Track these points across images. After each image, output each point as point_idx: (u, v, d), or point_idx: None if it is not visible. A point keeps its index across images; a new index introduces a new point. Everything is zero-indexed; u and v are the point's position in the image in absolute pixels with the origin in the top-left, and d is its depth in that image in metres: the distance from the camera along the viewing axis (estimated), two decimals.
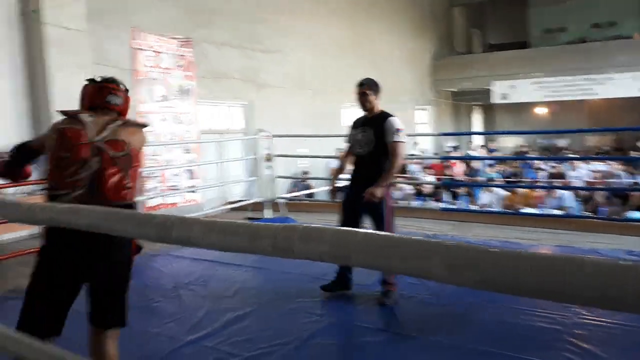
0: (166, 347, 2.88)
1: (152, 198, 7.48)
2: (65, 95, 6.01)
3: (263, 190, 6.81)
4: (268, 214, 6.54)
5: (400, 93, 14.29)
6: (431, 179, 9.29)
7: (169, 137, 7.82)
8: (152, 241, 1.02)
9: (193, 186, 8.02)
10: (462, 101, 17.80)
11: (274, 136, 6.78)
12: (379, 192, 3.27)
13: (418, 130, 15.47)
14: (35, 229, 5.28)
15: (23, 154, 2.27)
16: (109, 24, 6.97)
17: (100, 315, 1.92)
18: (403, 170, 10.66)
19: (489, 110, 18.50)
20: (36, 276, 1.91)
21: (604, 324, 2.96)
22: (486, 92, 15.50)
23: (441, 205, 7.51)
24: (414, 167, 10.67)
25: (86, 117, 2.03)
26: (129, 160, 2.02)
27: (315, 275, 3.74)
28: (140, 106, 7.46)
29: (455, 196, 8.14)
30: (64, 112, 2.09)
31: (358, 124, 3.59)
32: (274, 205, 6.65)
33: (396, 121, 3.44)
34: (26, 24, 5.92)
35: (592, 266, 0.56)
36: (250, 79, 9.27)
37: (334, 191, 3.75)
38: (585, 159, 11.29)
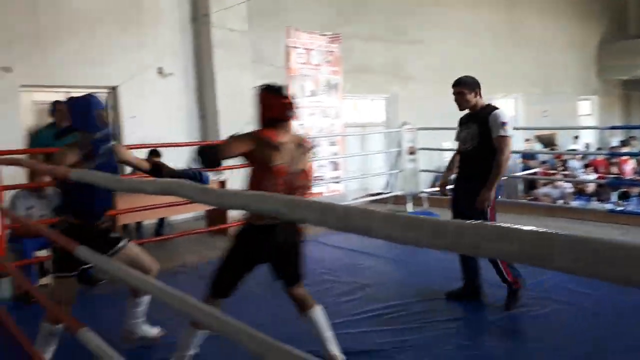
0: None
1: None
2: (229, 92, 6.61)
3: (405, 183, 6.76)
4: (410, 207, 6.48)
5: (561, 82, 13.15)
6: (593, 176, 8.39)
7: (317, 131, 8.14)
8: (332, 228, 1.08)
9: (337, 177, 8.25)
10: (635, 90, 15.74)
11: (419, 129, 6.68)
12: (488, 196, 3.11)
13: (581, 122, 14.10)
14: (200, 212, 5.89)
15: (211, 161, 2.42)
16: (266, 24, 7.46)
17: (293, 278, 2.50)
18: (563, 166, 9.79)
19: None
20: (234, 252, 2.40)
21: None
22: None
23: (607, 206, 6.74)
24: (574, 164, 9.74)
25: (285, 151, 2.33)
26: (308, 183, 2.50)
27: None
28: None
29: (624, 197, 7.25)
30: (261, 134, 2.35)
31: (463, 121, 3.45)
32: (416, 199, 6.57)
33: (501, 114, 3.25)
34: (196, 27, 6.60)
35: None
36: (394, 72, 9.25)
37: (443, 187, 3.63)
38: None
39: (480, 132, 3.23)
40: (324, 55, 8.24)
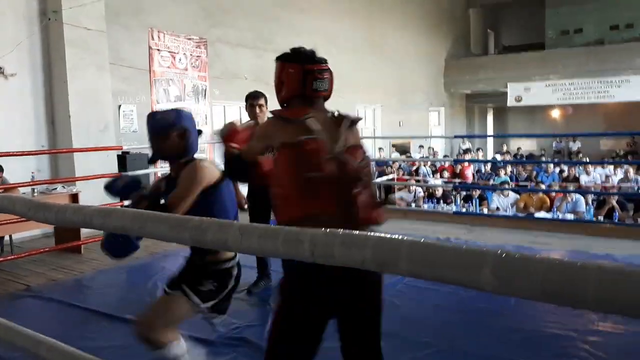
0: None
1: None
2: (83, 95, 6.12)
3: None
4: None
5: (415, 94, 14.28)
6: (441, 181, 9.26)
7: None
8: (185, 244, 1.02)
9: None
10: (476, 103, 17.71)
11: None
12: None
13: (432, 131, 15.45)
14: (48, 228, 5.37)
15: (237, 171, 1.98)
16: (127, 24, 7.05)
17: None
18: (415, 172, 10.64)
19: (502, 112, 18.40)
20: (287, 321, 1.61)
21: (619, 331, 2.95)
22: (500, 95, 15.41)
23: (454, 208, 7.48)
24: (425, 170, 10.63)
25: (312, 122, 1.66)
26: (368, 168, 1.75)
27: None
28: (156, 106, 7.53)
29: (466, 200, 8.10)
30: (277, 114, 1.76)
31: None
32: None
33: None
34: (45, 24, 6.01)
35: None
36: (264, 79, 9.31)
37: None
38: (596, 163, 11.18)
39: None
40: (190, 60, 8.04)
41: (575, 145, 16.33)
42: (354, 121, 1.77)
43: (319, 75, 1.71)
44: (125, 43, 7.05)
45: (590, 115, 15.99)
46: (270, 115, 1.82)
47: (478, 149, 12.80)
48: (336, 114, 1.76)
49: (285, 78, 1.74)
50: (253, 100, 3.58)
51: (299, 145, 1.63)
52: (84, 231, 5.01)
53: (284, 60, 1.76)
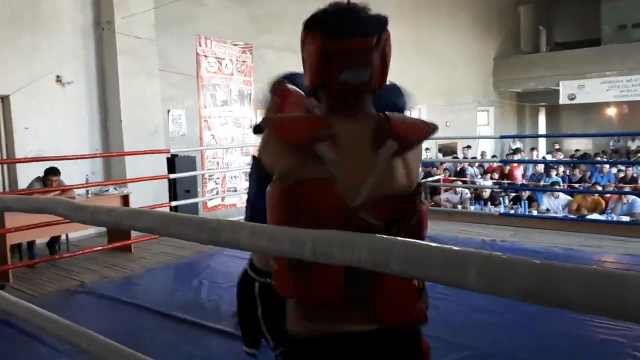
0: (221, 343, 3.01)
1: (212, 199, 7.77)
2: (134, 101, 6.39)
3: None
4: None
5: (463, 94, 14.02)
6: (489, 182, 9.03)
7: (229, 141, 8.09)
8: (204, 244, 1.10)
9: None
10: (527, 102, 17.18)
11: None
12: None
13: (480, 132, 15.11)
14: (102, 228, 5.64)
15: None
16: (176, 32, 7.30)
17: None
18: (462, 173, 10.43)
19: (555, 112, 17.76)
20: None
21: None
22: (553, 93, 14.89)
23: (500, 210, 7.30)
24: (472, 170, 10.41)
25: (324, 147, 1.06)
26: (417, 231, 1.11)
27: None
28: (203, 110, 7.76)
29: (515, 201, 7.88)
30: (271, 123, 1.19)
31: None
32: None
33: None
34: (99, 34, 6.32)
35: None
36: None
37: None
38: None
39: None
40: (236, 65, 8.23)
41: (634, 144, 15.55)
42: (405, 142, 1.08)
43: (348, 60, 1.07)
44: (174, 50, 7.30)
45: None
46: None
47: (532, 149, 12.42)
48: (383, 121, 1.10)
49: (306, 56, 1.14)
50: None
51: (292, 187, 1.06)
52: (135, 232, 5.23)
53: (305, 27, 1.15)
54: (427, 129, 1.17)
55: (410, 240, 0.73)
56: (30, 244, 5.09)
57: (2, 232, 4.33)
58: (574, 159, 11.80)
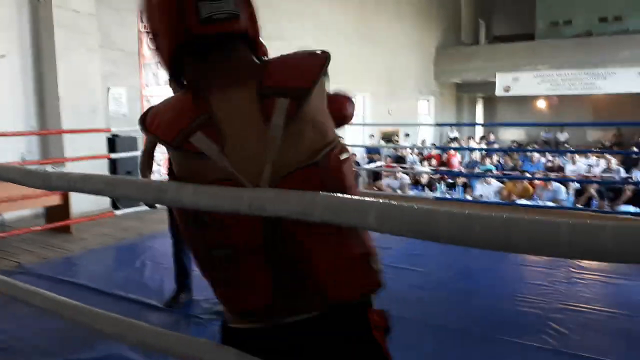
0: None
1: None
2: (72, 78, 6.17)
3: None
4: None
5: (405, 83, 14.38)
6: (428, 169, 9.41)
7: None
8: (149, 202, 1.14)
9: None
10: (466, 92, 17.86)
11: None
12: None
13: (421, 120, 15.58)
14: (38, 207, 5.45)
15: None
16: (117, 7, 7.07)
17: None
18: (402, 159, 10.79)
19: (491, 102, 18.57)
20: None
21: (584, 310, 3.12)
22: (489, 84, 15.56)
23: (436, 194, 7.64)
24: (412, 158, 10.79)
25: (200, 139, 0.89)
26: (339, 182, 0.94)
27: None
28: (145, 89, 7.59)
29: (451, 187, 8.27)
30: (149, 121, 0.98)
31: None
32: None
33: None
34: (34, 6, 6.04)
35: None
36: None
37: None
38: (580, 152, 11.39)
39: None
40: None
41: (562, 136, 16.57)
42: (298, 92, 0.88)
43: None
44: (115, 26, 7.07)
45: (578, 107, 16.21)
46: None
47: (469, 138, 12.97)
48: (262, 77, 0.91)
49: (150, 21, 0.96)
50: None
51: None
52: (74, 211, 5.10)
53: None
54: (318, 62, 0.92)
55: (328, 194, 0.82)
56: None
57: None
58: (508, 148, 12.44)
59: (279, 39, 9.88)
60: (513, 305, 3.21)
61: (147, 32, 0.98)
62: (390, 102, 13.50)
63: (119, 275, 3.92)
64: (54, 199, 4.93)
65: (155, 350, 1.26)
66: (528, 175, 8.52)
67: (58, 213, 4.98)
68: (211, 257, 0.92)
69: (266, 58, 0.96)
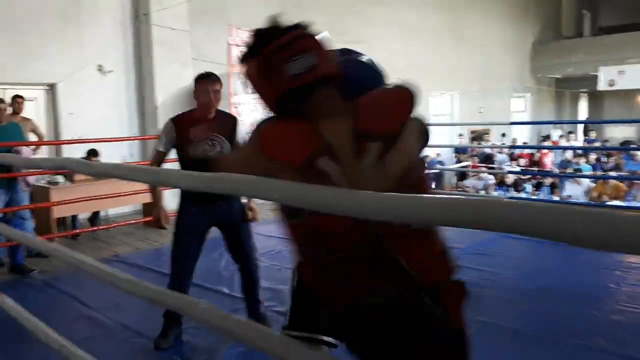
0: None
1: None
2: (168, 89, 6.86)
3: None
4: None
5: (498, 80, 13.89)
6: (515, 169, 9.08)
7: None
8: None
9: None
10: (566, 88, 16.79)
11: None
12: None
13: (514, 119, 14.93)
14: (137, 205, 6.13)
15: None
16: (208, 23, 7.71)
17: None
18: (489, 159, 10.48)
19: (596, 98, 17.26)
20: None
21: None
22: (593, 79, 14.52)
23: (523, 196, 7.39)
24: (501, 157, 10.45)
25: (329, 165, 1.10)
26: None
27: None
28: (233, 97, 8.16)
29: (538, 187, 7.94)
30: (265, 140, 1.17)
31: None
32: None
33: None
34: (136, 26, 6.80)
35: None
36: None
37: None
38: None
39: (230, 139, 2.76)
40: None
41: None
42: (388, 135, 1.06)
43: (284, 53, 1.12)
44: (207, 40, 7.71)
45: None
46: None
47: (561, 136, 12.27)
48: (354, 121, 1.10)
49: (254, 87, 1.21)
50: (208, 83, 2.73)
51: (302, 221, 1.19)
52: (168, 208, 5.68)
53: (241, 61, 1.24)
54: (406, 100, 1.10)
55: (273, 179, 1.00)
56: (74, 217, 5.66)
57: (48, 205, 4.87)
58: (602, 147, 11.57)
59: (363, 42, 10.09)
60: (579, 306, 3.14)
61: (253, 93, 1.20)
62: (482, 100, 13.12)
63: (199, 265, 4.35)
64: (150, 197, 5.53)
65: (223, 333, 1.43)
66: (610, 175, 7.94)
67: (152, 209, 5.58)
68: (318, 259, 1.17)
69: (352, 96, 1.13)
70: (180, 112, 2.92)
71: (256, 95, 1.19)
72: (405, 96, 1.09)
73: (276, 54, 1.08)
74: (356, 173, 1.03)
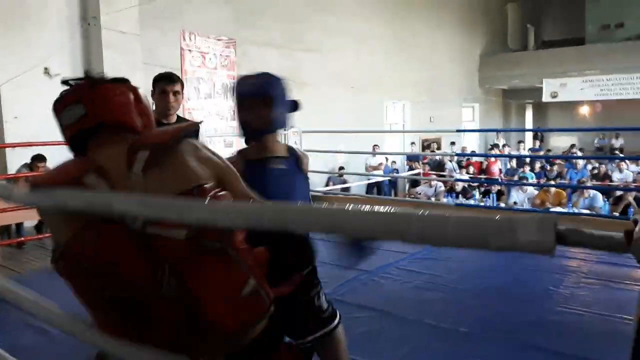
0: None
1: None
2: None
3: None
4: None
5: (447, 90, 14.33)
6: (464, 176, 9.39)
7: (212, 132, 8.42)
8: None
9: None
10: (513, 99, 17.52)
11: (303, 132, 7.19)
12: None
13: (465, 128, 15.44)
14: None
15: None
16: (160, 27, 7.61)
17: None
18: (440, 167, 10.79)
19: (541, 109, 18.09)
20: None
21: (583, 313, 3.17)
22: (537, 90, 15.21)
23: (459, 201, 7.65)
24: (451, 165, 10.77)
25: (91, 178, 1.11)
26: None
27: None
28: (187, 102, 8.08)
29: (485, 194, 8.24)
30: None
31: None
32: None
33: None
34: (85, 28, 6.63)
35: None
36: (290, 77, 9.68)
37: None
38: (628, 158, 10.95)
39: None
40: (220, 59, 8.54)
41: (617, 143, 15.91)
42: (157, 146, 1.12)
43: (59, 103, 1.18)
44: (159, 44, 7.60)
45: (635, 112, 15.53)
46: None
47: (504, 145, 12.76)
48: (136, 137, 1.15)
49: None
50: (167, 84, 2.59)
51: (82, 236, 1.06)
52: None
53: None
54: (186, 127, 1.21)
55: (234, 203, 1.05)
56: (19, 225, 5.43)
57: None
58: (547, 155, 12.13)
59: (317, 51, 10.20)
60: (515, 307, 3.29)
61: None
62: (433, 110, 13.49)
63: None
64: None
65: None
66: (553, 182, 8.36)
67: None
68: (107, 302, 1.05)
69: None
70: None
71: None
72: (190, 123, 1.23)
73: (56, 104, 1.17)
74: (126, 182, 1.08)
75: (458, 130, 12.34)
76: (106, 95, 1.16)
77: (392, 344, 2.81)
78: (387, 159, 11.19)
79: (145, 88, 6.65)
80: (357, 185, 9.52)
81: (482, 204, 7.80)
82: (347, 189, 8.75)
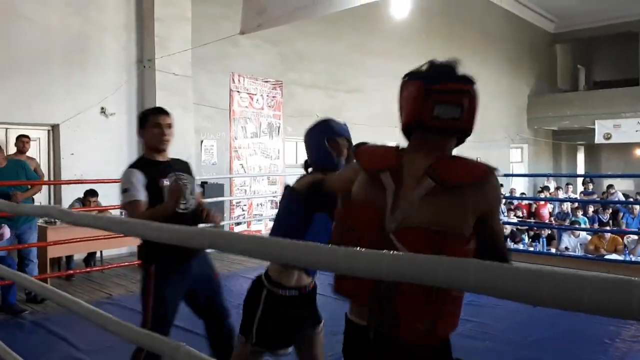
0: None
1: (239, 224, 8.20)
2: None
3: None
4: None
5: (495, 130, 14.10)
6: (512, 220, 9.09)
7: (257, 170, 8.56)
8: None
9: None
10: (563, 140, 17.03)
11: None
12: None
13: (513, 169, 15.08)
14: (133, 247, 6.11)
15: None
16: (211, 69, 7.91)
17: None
18: None
19: (593, 150, 17.48)
20: None
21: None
22: (590, 132, 14.76)
23: (519, 247, 7.37)
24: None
25: (386, 177, 1.27)
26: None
27: None
28: (234, 141, 8.28)
29: (534, 238, 7.93)
30: (360, 152, 1.41)
31: (166, 170, 2.48)
32: None
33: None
34: (140, 70, 6.97)
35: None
36: (333, 117, 9.81)
37: None
38: None
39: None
40: (267, 100, 8.76)
41: None
42: (445, 183, 1.22)
43: (443, 97, 1.26)
44: (209, 86, 7.89)
45: None
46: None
47: (557, 188, 12.33)
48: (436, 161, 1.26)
49: (404, 102, 1.37)
50: (158, 117, 2.46)
51: (343, 208, 1.40)
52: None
53: (407, 77, 1.41)
54: (479, 172, 1.27)
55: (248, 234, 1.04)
56: (69, 258, 5.62)
57: (44, 245, 4.85)
58: (601, 199, 11.61)
59: (359, 91, 10.33)
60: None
61: (400, 109, 1.38)
62: (479, 150, 13.25)
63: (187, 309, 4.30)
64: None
65: None
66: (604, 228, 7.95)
67: None
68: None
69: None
70: (135, 160, 2.53)
71: (399, 108, 1.39)
72: (484, 167, 1.33)
73: (441, 93, 1.26)
74: (403, 200, 1.22)
75: (506, 175, 12.04)
76: (473, 110, 1.29)
77: None
78: None
79: (196, 126, 6.91)
80: None
81: (531, 249, 7.50)
82: None
